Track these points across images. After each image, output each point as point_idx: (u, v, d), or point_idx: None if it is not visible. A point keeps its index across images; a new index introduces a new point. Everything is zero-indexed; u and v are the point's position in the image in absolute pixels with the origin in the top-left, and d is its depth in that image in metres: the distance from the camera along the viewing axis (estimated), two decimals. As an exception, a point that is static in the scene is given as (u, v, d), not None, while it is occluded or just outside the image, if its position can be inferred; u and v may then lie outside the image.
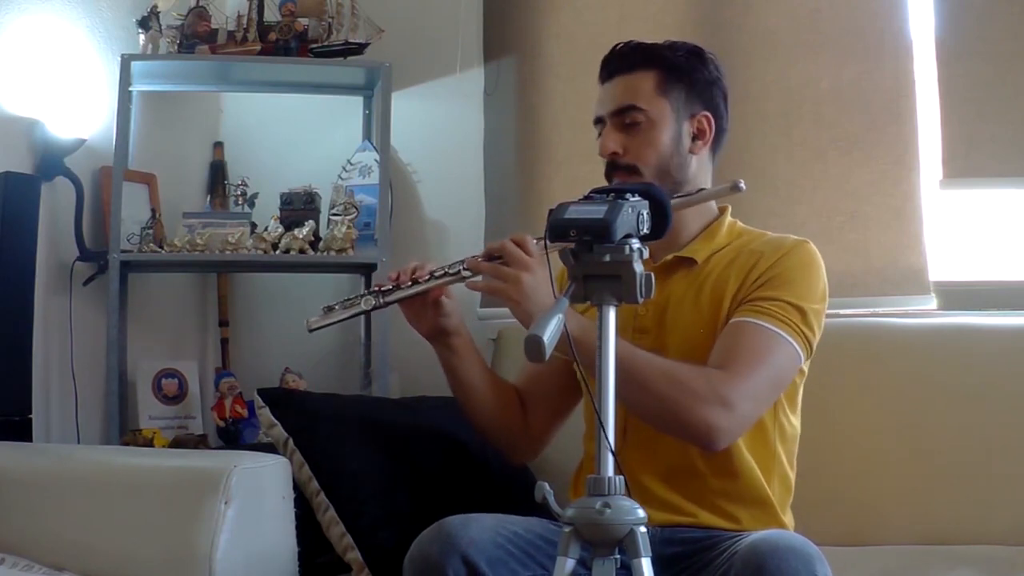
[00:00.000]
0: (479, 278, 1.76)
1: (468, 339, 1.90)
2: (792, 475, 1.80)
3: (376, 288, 1.83)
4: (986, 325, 2.26)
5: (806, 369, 1.81)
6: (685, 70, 1.83)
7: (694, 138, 1.83)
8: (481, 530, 1.53)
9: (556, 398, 1.94)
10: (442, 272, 1.79)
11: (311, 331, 1.84)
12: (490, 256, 1.74)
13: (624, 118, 1.81)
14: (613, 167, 1.82)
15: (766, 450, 1.76)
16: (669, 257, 1.81)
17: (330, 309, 1.84)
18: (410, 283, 1.81)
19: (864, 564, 1.90)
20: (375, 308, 1.82)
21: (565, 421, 1.97)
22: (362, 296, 1.82)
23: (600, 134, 1.85)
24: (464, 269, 1.77)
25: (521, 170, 2.85)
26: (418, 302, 1.83)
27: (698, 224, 1.86)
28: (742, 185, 1.70)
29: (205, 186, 3.02)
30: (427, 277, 1.80)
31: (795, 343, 1.70)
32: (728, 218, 1.88)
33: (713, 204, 1.88)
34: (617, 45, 1.86)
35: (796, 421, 1.82)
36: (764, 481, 1.74)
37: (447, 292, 1.84)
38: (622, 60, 1.84)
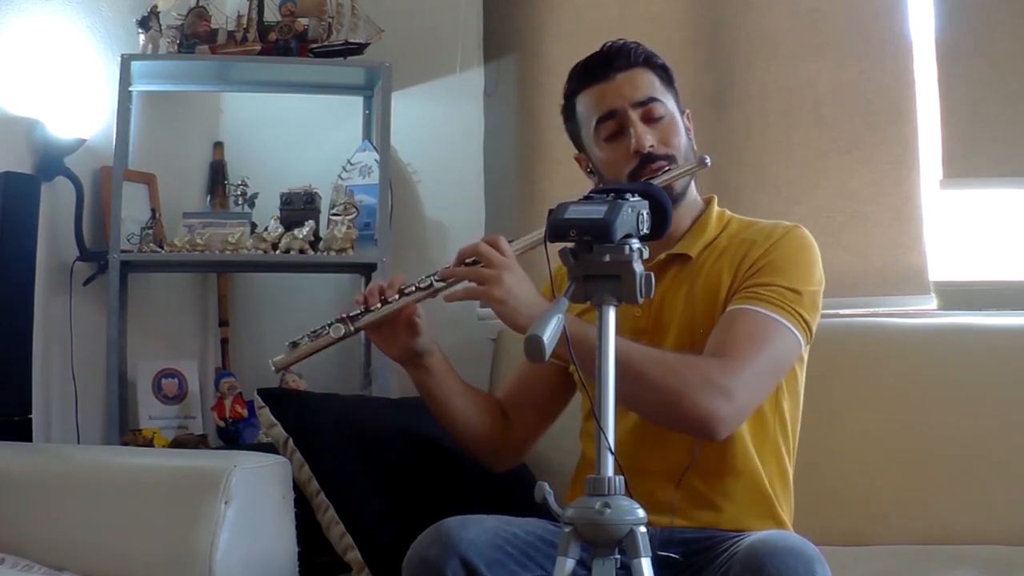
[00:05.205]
0: (456, 286, 1.68)
1: (441, 357, 1.82)
2: (790, 468, 1.79)
3: (344, 315, 1.71)
4: (986, 325, 2.26)
5: (806, 356, 1.80)
6: (670, 73, 1.85)
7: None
8: (480, 532, 1.53)
9: (546, 403, 1.92)
10: (412, 288, 1.70)
11: (277, 371, 1.74)
12: (463, 262, 1.67)
13: (650, 111, 1.78)
14: (650, 159, 1.76)
15: (766, 442, 1.75)
16: (662, 256, 1.79)
17: (295, 344, 1.72)
18: (380, 304, 1.70)
19: (864, 564, 1.90)
20: (345, 336, 1.69)
21: (551, 426, 1.94)
22: (330, 325, 1.70)
23: (611, 132, 1.79)
24: (437, 281, 1.68)
25: (521, 170, 2.85)
26: (387, 327, 1.74)
27: (688, 219, 1.85)
28: (707, 161, 1.74)
29: (205, 186, 3.01)
30: (396, 296, 1.70)
31: (793, 328, 1.68)
32: (715, 208, 1.87)
33: (698, 196, 1.89)
34: (606, 45, 1.83)
35: (796, 411, 1.81)
36: (764, 475, 1.73)
37: (417, 310, 1.75)
38: (620, 58, 1.80)
